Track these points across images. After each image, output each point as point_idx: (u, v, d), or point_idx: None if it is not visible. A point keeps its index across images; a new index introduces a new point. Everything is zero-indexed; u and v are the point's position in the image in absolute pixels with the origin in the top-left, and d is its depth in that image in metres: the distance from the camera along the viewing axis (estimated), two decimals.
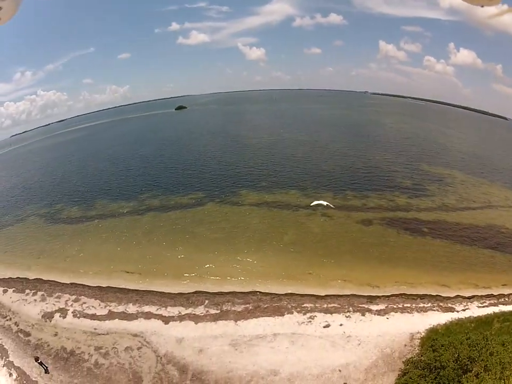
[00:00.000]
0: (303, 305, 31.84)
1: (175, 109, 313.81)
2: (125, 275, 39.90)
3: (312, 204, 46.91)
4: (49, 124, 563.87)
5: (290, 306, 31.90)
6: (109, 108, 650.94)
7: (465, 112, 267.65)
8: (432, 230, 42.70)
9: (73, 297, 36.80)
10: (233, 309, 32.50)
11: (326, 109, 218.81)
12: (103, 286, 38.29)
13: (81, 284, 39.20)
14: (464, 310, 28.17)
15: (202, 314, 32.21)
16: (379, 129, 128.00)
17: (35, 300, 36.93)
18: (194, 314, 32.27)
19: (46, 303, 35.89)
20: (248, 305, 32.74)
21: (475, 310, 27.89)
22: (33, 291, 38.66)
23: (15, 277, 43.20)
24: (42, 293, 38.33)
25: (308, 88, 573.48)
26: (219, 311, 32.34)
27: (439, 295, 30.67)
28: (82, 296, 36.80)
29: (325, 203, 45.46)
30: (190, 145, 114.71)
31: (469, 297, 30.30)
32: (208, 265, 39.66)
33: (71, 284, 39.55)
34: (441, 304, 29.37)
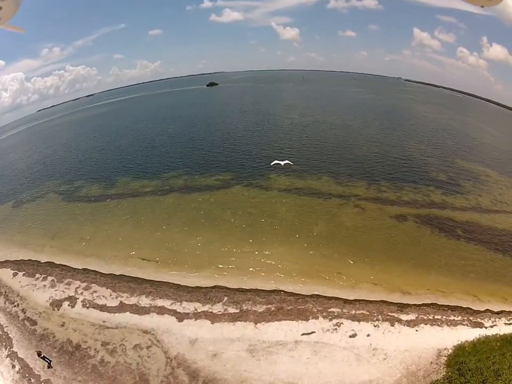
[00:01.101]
0: (329, 310, 30.00)
1: (207, 85, 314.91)
2: (140, 262, 39.00)
3: (272, 164, 52.28)
4: (78, 98, 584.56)
5: (315, 310, 30.04)
6: (139, 83, 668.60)
7: (497, 108, 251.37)
8: (466, 233, 41.97)
9: (84, 284, 36.32)
10: (253, 309, 30.75)
11: (360, 93, 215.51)
12: (117, 273, 37.61)
13: (94, 270, 38.81)
14: (492, 327, 27.74)
15: (220, 313, 30.63)
16: (414, 118, 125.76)
17: (44, 286, 37.08)
18: (211, 312, 30.76)
19: (56, 290, 36.01)
20: (270, 305, 30.94)
21: (502, 328, 27.46)
22: (43, 275, 38.94)
23: (26, 259, 43.59)
24: (53, 278, 38.24)
25: (342, 71, 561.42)
26: (238, 311, 30.66)
27: (470, 308, 30.03)
28: (93, 284, 36.33)
29: (282, 163, 50.04)
30: (219, 123, 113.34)
31: (498, 313, 29.60)
32: (230, 257, 37.97)
33: (83, 269, 39.23)
34: (471, 318, 28.83)
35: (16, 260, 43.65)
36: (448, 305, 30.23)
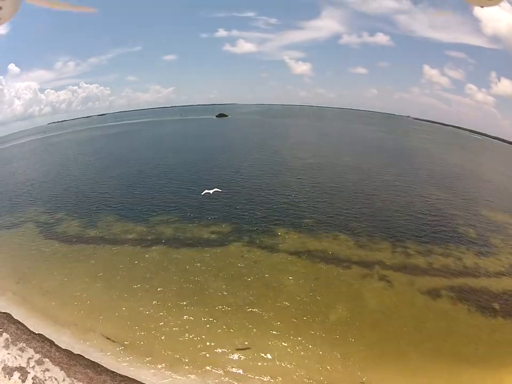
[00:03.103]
0: None
1: (216, 116, 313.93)
2: (104, 342, 30.69)
3: (202, 193, 52.83)
4: (90, 116, 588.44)
5: None
6: (151, 108, 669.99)
7: (505, 145, 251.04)
8: (503, 307, 35.94)
9: (38, 356, 30.27)
10: None
11: (370, 131, 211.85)
12: (74, 352, 30.12)
13: (50, 340, 31.93)
14: None
15: None
16: (430, 160, 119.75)
17: None
18: None
19: (9, 353, 31.12)
20: None
21: None
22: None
23: None
24: (8, 336, 33.13)
25: (351, 108, 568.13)
26: None
27: None
28: (47, 359, 29.71)
29: (211, 191, 50.54)
30: (224, 159, 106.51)
31: None
32: (219, 350, 29.24)
33: (39, 335, 32.72)
34: None
35: None
36: None
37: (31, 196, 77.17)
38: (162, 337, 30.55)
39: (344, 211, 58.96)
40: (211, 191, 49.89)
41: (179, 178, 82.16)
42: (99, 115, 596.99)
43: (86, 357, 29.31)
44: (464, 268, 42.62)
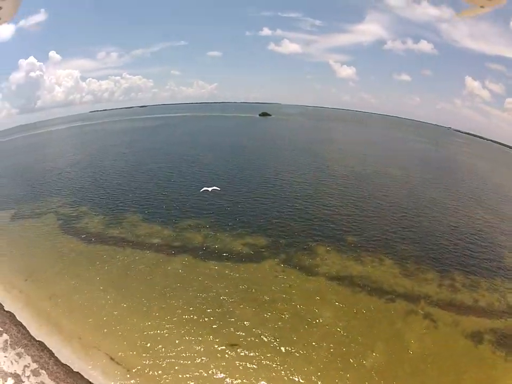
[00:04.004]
0: None
1: (259, 115, 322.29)
2: (107, 364, 29.80)
3: (201, 190, 56.90)
4: (132, 107, 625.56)
5: None
6: (194, 103, 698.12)
7: None
8: None
9: (35, 365, 30.53)
10: None
11: (414, 141, 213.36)
12: (74, 368, 29.87)
13: (50, 351, 32.20)
14: None
15: None
16: (473, 176, 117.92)
17: None
18: None
19: (5, 356, 31.71)
20: None
21: None
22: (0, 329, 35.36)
23: None
24: (7, 338, 34.04)
25: (394, 115, 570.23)
26: None
27: None
28: (43, 371, 29.86)
29: (210, 189, 54.55)
30: (265, 161, 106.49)
31: None
32: None
33: (39, 343, 33.14)
34: None
35: None
36: None
37: (56, 186, 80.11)
38: (172, 370, 28.95)
39: (391, 231, 57.28)
40: (209, 189, 54.23)
41: (216, 180, 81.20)
42: (141, 106, 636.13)
43: (85, 376, 28.79)
44: (508, 308, 41.03)
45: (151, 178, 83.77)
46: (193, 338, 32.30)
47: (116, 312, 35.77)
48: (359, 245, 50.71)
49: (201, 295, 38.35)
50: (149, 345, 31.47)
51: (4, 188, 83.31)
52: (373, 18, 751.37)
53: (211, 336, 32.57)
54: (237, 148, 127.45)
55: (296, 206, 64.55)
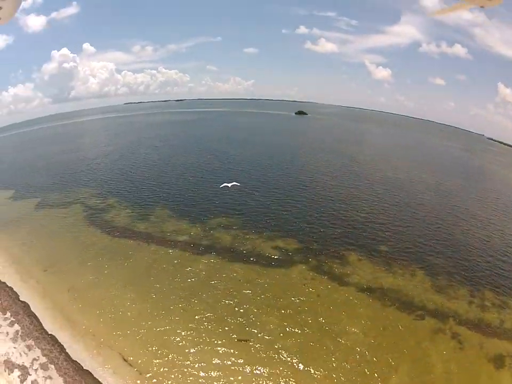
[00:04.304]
0: None
1: (295, 113, 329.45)
2: (119, 363, 29.23)
3: (221, 186, 57.48)
4: (168, 101, 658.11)
5: None
6: (230, 98, 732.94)
7: None
8: None
9: (44, 359, 30.54)
10: None
11: (448, 147, 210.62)
12: (84, 366, 29.50)
13: (61, 345, 32.03)
14: None
15: None
16: (508, 189, 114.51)
17: (7, 334, 33.72)
18: None
19: (15, 347, 31.96)
20: None
21: None
22: (12, 319, 35.92)
23: (9, 285, 41.77)
24: (19, 328, 34.43)
25: (428, 119, 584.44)
26: None
27: None
28: (52, 366, 29.77)
29: (230, 184, 55.25)
30: (301, 161, 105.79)
31: None
32: None
33: (51, 337, 33.11)
34: None
35: (0, 281, 42.58)
36: None
37: (85, 176, 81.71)
38: (188, 380, 27.69)
39: (424, 241, 55.79)
40: (229, 185, 55.03)
41: (249, 178, 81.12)
42: (176, 100, 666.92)
43: (95, 375, 28.32)
44: None
45: (183, 173, 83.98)
46: (210, 348, 31.22)
47: (133, 312, 35.27)
48: (391, 256, 49.35)
49: (224, 301, 37.25)
50: (164, 351, 30.66)
51: (32, 175, 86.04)
52: (408, 20, 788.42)
53: (229, 348, 31.45)
54: (273, 146, 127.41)
55: (329, 211, 63.09)
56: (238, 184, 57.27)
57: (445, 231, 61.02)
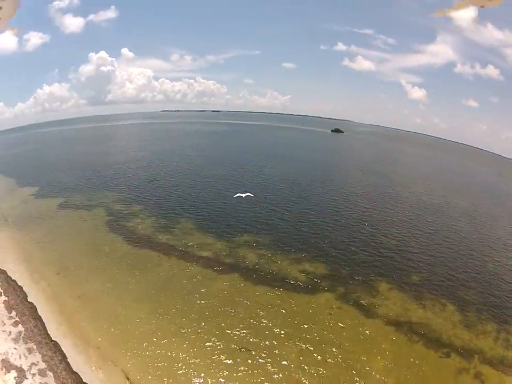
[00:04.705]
0: None
1: (331, 131, 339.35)
2: (121, 380, 28.68)
3: (235, 196, 59.67)
4: (205, 111, 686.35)
5: None
6: (266, 112, 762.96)
7: None
8: None
9: (43, 365, 30.65)
10: None
11: (479, 170, 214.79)
12: (83, 379, 29.42)
13: (63, 354, 31.92)
14: None
15: None
16: None
17: (10, 334, 34.34)
18: None
19: (15, 348, 32.41)
20: None
21: None
22: (16, 319, 36.41)
23: (19, 284, 42.42)
24: (22, 330, 34.91)
25: (461, 142, 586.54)
26: None
27: None
28: (51, 374, 29.75)
29: (244, 195, 57.45)
30: (335, 179, 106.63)
31: None
32: None
33: (54, 344, 33.06)
34: None
35: (11, 278, 43.47)
36: None
37: (112, 180, 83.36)
38: None
39: (456, 273, 54.48)
40: (243, 195, 57.63)
41: (282, 198, 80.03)
42: (213, 111, 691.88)
43: None
44: None
45: (213, 186, 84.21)
46: (224, 376, 29.63)
47: (144, 330, 34.48)
48: (422, 286, 47.84)
49: (244, 324, 35.93)
50: (173, 375, 29.36)
51: (59, 174, 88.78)
52: (443, 39, 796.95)
53: (245, 378, 29.79)
54: (309, 163, 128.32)
55: (361, 235, 61.56)
56: (252, 195, 58.78)
57: (476, 261, 59.33)
